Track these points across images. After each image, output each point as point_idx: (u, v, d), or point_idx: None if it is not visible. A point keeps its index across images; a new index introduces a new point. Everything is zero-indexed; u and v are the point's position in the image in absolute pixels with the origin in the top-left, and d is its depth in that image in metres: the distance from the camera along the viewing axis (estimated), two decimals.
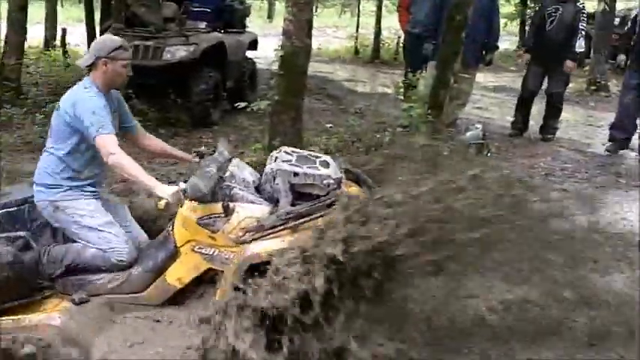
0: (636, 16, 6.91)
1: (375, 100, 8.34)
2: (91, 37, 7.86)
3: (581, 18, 7.23)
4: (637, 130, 7.10)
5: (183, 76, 6.93)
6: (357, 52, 15.84)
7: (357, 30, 16.76)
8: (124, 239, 3.13)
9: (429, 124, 5.71)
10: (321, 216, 2.75)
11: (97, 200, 3.20)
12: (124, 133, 3.37)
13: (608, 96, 11.03)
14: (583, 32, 7.32)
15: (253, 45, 8.93)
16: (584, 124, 8.90)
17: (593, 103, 10.58)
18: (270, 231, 2.80)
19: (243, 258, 2.80)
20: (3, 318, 2.94)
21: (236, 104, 6.81)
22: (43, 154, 3.23)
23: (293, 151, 3.22)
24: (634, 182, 5.78)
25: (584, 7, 7.38)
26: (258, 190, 3.18)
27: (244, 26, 8.99)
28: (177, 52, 6.96)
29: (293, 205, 2.95)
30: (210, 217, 2.99)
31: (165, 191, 2.82)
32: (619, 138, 7.10)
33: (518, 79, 8.32)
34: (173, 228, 3.08)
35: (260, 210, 2.99)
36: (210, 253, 2.98)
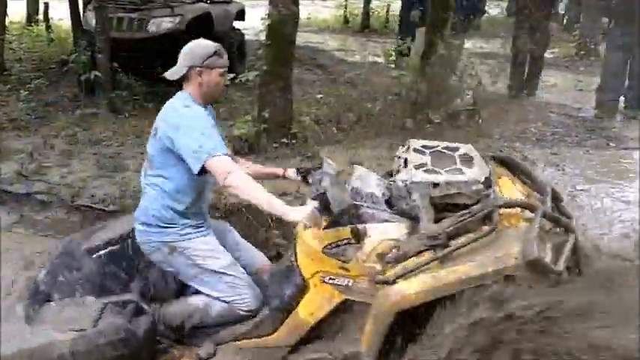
0: None
1: (365, 69, 8.25)
2: (74, 11, 7.67)
3: None
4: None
5: (169, 48, 6.80)
6: (346, 21, 15.57)
7: (345, 2, 16.52)
8: (249, 282, 2.80)
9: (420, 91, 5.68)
10: (480, 238, 2.22)
11: (212, 236, 2.84)
12: None
13: (598, 60, 10.96)
14: None
15: (241, 15, 8.78)
16: (574, 89, 8.86)
17: (583, 68, 10.51)
18: (416, 262, 2.26)
19: (391, 302, 2.27)
20: None
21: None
22: (145, 188, 2.78)
23: (424, 146, 2.64)
24: (623, 145, 5.77)
25: None
26: (389, 203, 2.60)
27: None
28: (162, 23, 6.83)
29: (436, 220, 2.39)
30: (339, 245, 2.50)
31: (299, 215, 2.41)
32: (606, 100, 7.07)
33: (508, 45, 8.30)
34: (296, 258, 2.65)
35: (397, 229, 2.47)
36: (345, 283, 2.51)
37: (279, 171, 3.01)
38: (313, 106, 6.28)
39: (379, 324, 2.30)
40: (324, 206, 2.46)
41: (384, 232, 2.45)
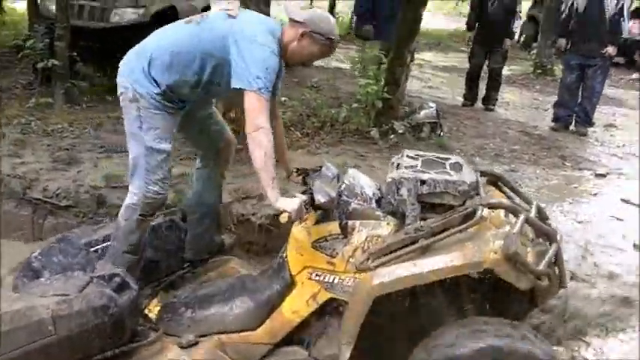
0: (573, 1, 7.23)
1: (330, 75, 8.25)
2: None
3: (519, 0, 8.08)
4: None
5: (131, 40, 6.62)
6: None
7: (311, 3, 16.48)
8: (165, 176, 2.83)
9: (385, 100, 5.70)
10: (459, 231, 2.34)
11: (175, 119, 2.82)
12: None
13: (554, 80, 11.29)
14: (520, 13, 8.29)
15: (206, 10, 8.62)
16: (530, 107, 9.11)
17: (539, 86, 10.83)
18: (397, 253, 2.37)
19: (370, 287, 2.36)
20: None
21: None
22: (171, 25, 2.85)
23: (417, 155, 2.76)
24: (579, 165, 5.93)
25: None
26: (379, 204, 2.70)
27: None
28: (125, 14, 6.64)
29: (423, 219, 2.49)
30: (327, 240, 2.58)
31: (288, 205, 2.45)
32: (563, 116, 7.49)
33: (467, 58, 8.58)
34: (286, 254, 2.71)
35: (384, 227, 2.55)
36: (331, 280, 2.57)
37: (287, 169, 3.07)
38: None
39: (357, 310, 2.37)
40: (312, 202, 2.53)
41: (372, 228, 2.53)
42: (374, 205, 2.68)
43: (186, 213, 3.44)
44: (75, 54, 6.20)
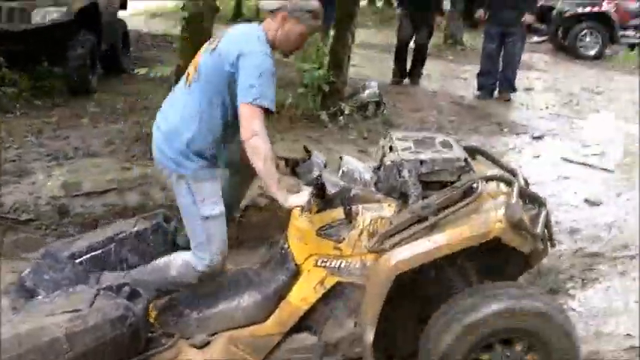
0: None
1: None
2: None
3: None
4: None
5: (56, 41, 6.31)
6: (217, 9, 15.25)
7: None
8: (223, 238, 2.78)
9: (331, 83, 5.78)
10: (464, 206, 2.46)
11: (218, 182, 2.78)
12: None
13: (464, 49, 11.82)
14: None
15: (123, 5, 8.37)
16: (450, 77, 9.48)
17: (452, 57, 11.26)
18: (409, 232, 2.47)
19: (390, 266, 2.45)
20: None
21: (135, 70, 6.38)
22: (177, 93, 2.76)
23: (405, 136, 2.86)
24: (516, 130, 6.30)
25: None
26: (377, 186, 2.78)
27: None
28: (47, 13, 6.26)
29: (423, 197, 2.58)
30: (332, 226, 2.63)
31: (298, 201, 2.51)
32: (486, 84, 7.88)
33: (380, 34, 8.76)
34: (288, 244, 2.73)
35: (386, 209, 2.62)
36: (337, 265, 2.63)
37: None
38: None
39: (379, 291, 2.46)
40: (317, 192, 2.57)
41: (375, 211, 2.60)
42: (374, 188, 2.76)
43: (167, 215, 3.39)
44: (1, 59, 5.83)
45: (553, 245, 2.72)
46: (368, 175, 2.82)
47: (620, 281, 3.64)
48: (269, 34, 2.65)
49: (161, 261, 2.88)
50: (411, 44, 8.41)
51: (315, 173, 2.70)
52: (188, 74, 2.73)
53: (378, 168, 2.85)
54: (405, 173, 2.60)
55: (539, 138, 6.01)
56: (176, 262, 2.85)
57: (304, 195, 2.53)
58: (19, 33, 6.12)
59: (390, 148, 2.76)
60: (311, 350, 2.75)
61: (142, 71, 6.26)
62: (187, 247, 3.05)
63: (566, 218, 4.30)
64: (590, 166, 5.35)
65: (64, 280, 2.83)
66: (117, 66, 7.85)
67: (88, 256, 2.89)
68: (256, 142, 2.48)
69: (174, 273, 2.84)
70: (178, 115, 2.71)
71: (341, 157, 3.00)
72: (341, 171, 2.77)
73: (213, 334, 2.78)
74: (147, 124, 5.39)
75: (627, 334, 3.15)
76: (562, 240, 4.04)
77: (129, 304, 2.59)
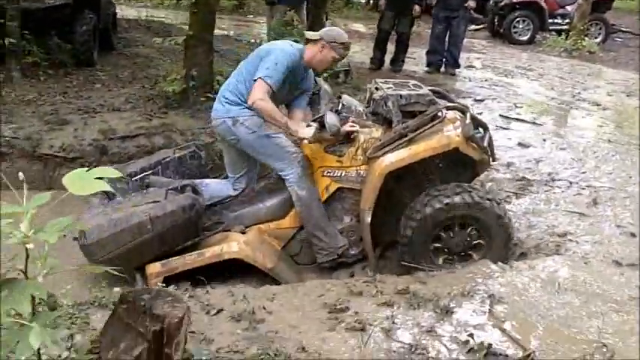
0: None
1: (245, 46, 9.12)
2: None
3: None
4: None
5: (65, 18, 7.16)
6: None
7: None
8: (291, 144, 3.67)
9: None
10: (432, 127, 3.41)
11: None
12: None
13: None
14: None
15: None
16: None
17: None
18: (395, 144, 3.40)
19: (383, 167, 3.41)
20: (188, 254, 3.43)
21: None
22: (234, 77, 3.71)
23: (387, 81, 3.86)
24: (461, 95, 7.51)
25: None
26: (367, 116, 3.80)
27: None
28: None
29: (403, 122, 3.46)
30: (335, 145, 3.66)
31: (307, 133, 3.47)
32: (434, 61, 9.06)
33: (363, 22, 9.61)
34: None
35: (375, 132, 3.63)
36: (339, 174, 3.64)
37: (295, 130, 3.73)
38: (230, 67, 7.08)
39: (374, 185, 3.43)
40: (322, 126, 3.58)
41: (368, 134, 3.64)
42: (365, 118, 3.77)
43: (199, 145, 4.38)
44: (26, 32, 6.61)
45: (494, 159, 3.84)
46: (361, 108, 3.85)
47: (545, 195, 4.80)
48: (307, 54, 3.65)
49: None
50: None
51: (324, 106, 3.78)
52: None
53: (368, 103, 3.91)
54: (390, 104, 3.53)
55: (480, 101, 7.24)
56: (294, 190, 3.66)
57: (312, 129, 3.50)
58: (34, 11, 6.92)
59: (376, 89, 3.74)
60: None
61: (158, 40, 7.19)
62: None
63: (505, 156, 5.47)
64: (522, 120, 6.62)
65: (129, 189, 3.73)
66: (108, 44, 8.64)
67: (140, 176, 3.79)
68: (260, 104, 3.43)
69: (300, 192, 3.65)
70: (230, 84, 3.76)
71: (339, 96, 4.08)
72: (341, 104, 3.81)
73: (247, 227, 3.74)
74: (151, 89, 6.39)
75: (552, 225, 4.14)
76: (501, 170, 5.21)
77: (195, 195, 3.49)
